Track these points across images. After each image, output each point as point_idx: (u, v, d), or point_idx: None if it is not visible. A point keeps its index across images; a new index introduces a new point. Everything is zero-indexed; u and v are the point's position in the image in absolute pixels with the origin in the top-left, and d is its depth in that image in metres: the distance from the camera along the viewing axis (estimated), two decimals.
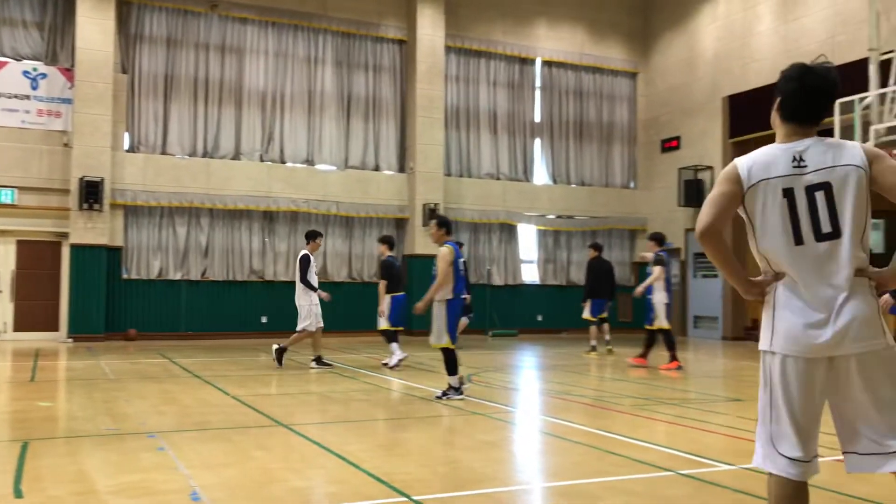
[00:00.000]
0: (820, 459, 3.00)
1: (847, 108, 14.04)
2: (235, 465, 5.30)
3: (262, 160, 18.42)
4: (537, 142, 21.31)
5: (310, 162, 18.87)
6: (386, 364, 11.66)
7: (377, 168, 19.50)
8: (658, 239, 12.15)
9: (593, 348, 14.30)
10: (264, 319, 17.93)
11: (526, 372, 12.38)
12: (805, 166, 2.91)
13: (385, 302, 11.63)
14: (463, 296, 8.99)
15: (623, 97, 22.12)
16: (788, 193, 2.90)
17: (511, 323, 20.22)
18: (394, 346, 11.62)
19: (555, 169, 21.42)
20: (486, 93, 20.62)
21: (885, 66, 13.81)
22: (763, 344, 2.98)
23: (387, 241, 11.94)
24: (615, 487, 4.80)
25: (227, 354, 14.01)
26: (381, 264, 11.88)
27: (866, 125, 13.68)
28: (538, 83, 21.32)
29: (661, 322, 11.85)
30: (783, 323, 2.91)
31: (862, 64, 14.41)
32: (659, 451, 5.88)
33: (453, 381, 8.35)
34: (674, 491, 4.78)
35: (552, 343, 17.52)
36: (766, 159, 2.97)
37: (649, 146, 21.89)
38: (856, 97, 13.89)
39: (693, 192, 19.63)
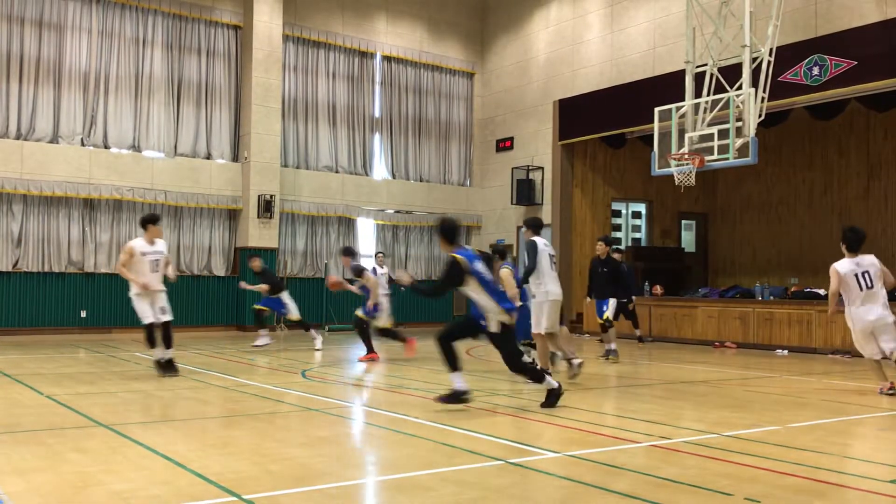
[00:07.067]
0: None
1: (665, 116, 15.03)
2: (49, 470, 4.95)
3: (83, 144, 17.32)
4: (377, 136, 21.34)
5: (136, 148, 17.94)
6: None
7: (209, 156, 18.84)
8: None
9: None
10: (83, 314, 16.87)
11: (362, 366, 12.38)
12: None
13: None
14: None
15: (460, 96, 22.57)
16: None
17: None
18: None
19: (394, 164, 21.54)
20: (326, 85, 20.42)
21: (699, 78, 14.88)
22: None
23: None
24: (447, 478, 4.89)
25: (43, 351, 13.08)
26: None
27: (681, 132, 14.70)
28: (378, 78, 21.35)
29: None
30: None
31: (679, 75, 15.45)
32: (490, 440, 6.06)
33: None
34: (502, 479, 4.93)
35: None
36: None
37: (484, 145, 22.47)
38: (672, 106, 14.89)
39: (525, 191, 20.35)
